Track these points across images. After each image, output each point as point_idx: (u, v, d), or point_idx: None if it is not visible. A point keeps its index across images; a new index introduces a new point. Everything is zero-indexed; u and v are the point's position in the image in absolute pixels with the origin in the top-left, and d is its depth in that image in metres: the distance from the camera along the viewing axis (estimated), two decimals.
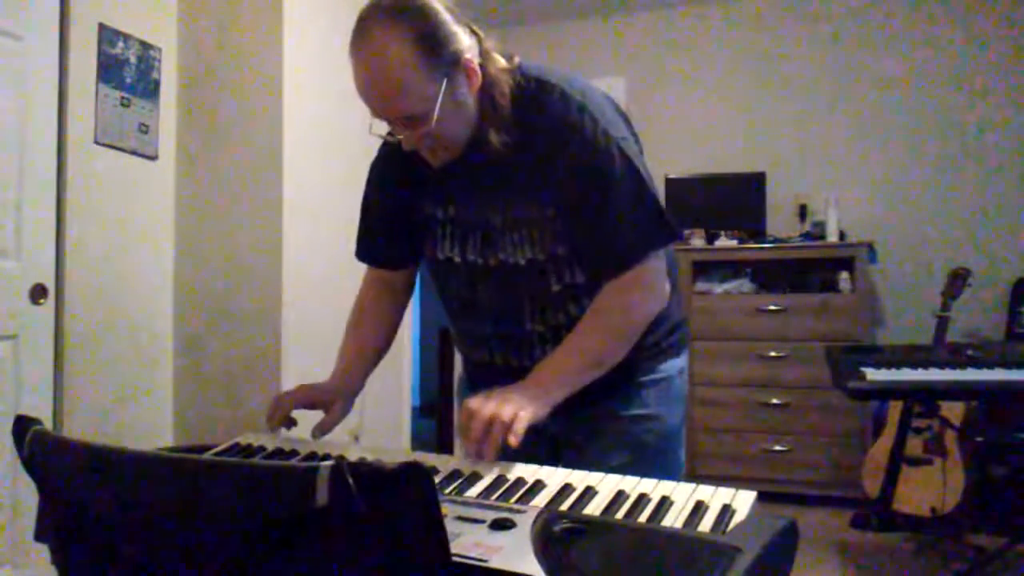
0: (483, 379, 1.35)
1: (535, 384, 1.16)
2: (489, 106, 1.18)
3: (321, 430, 1.29)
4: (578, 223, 1.21)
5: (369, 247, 1.45)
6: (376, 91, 1.10)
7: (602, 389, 1.23)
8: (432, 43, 1.08)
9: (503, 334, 1.31)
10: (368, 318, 1.44)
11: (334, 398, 1.33)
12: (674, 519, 0.83)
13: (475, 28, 1.18)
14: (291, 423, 1.30)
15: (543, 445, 1.28)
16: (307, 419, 1.31)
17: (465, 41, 1.13)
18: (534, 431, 1.10)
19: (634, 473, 0.96)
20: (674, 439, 1.35)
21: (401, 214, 1.36)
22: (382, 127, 1.19)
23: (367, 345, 1.42)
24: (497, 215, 1.24)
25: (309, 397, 1.31)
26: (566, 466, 1.02)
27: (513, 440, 1.04)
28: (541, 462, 1.03)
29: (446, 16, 1.11)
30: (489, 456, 1.04)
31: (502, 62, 1.20)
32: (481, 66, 1.16)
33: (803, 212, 4.28)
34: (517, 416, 1.06)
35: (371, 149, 1.41)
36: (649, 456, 1.29)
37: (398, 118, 1.13)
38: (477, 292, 1.30)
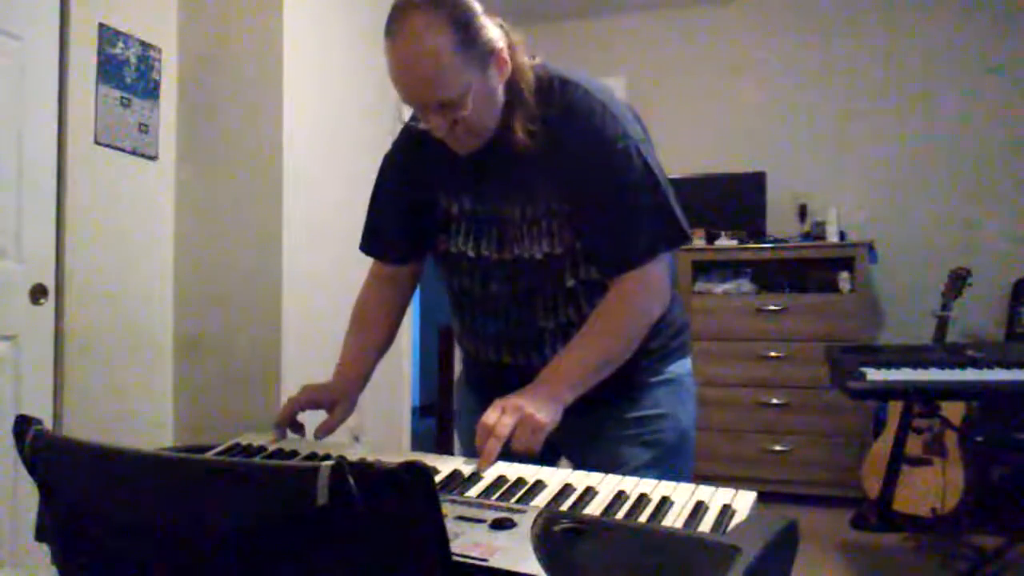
0: (488, 378, 1.35)
1: (546, 386, 1.15)
2: (515, 97, 1.21)
3: (323, 431, 1.29)
4: (591, 219, 1.22)
5: (376, 240, 1.44)
6: (414, 76, 1.12)
7: (610, 391, 1.23)
8: (468, 31, 1.12)
9: (513, 331, 1.31)
10: (371, 316, 1.44)
11: (337, 399, 1.33)
12: (674, 519, 0.83)
13: (501, 22, 1.21)
14: (300, 430, 1.30)
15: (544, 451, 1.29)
16: (309, 420, 1.32)
17: (495, 32, 1.17)
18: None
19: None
20: (688, 438, 1.35)
21: (414, 207, 1.36)
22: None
23: (370, 344, 1.42)
24: (516, 208, 1.25)
25: (313, 399, 1.32)
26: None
27: (534, 452, 1.07)
28: (541, 464, 1.03)
29: (478, 7, 1.15)
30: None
31: (526, 57, 1.23)
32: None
33: (803, 212, 4.27)
34: (535, 431, 1.08)
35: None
36: (668, 454, 1.30)
37: (433, 103, 1.15)
38: (489, 288, 1.31)
